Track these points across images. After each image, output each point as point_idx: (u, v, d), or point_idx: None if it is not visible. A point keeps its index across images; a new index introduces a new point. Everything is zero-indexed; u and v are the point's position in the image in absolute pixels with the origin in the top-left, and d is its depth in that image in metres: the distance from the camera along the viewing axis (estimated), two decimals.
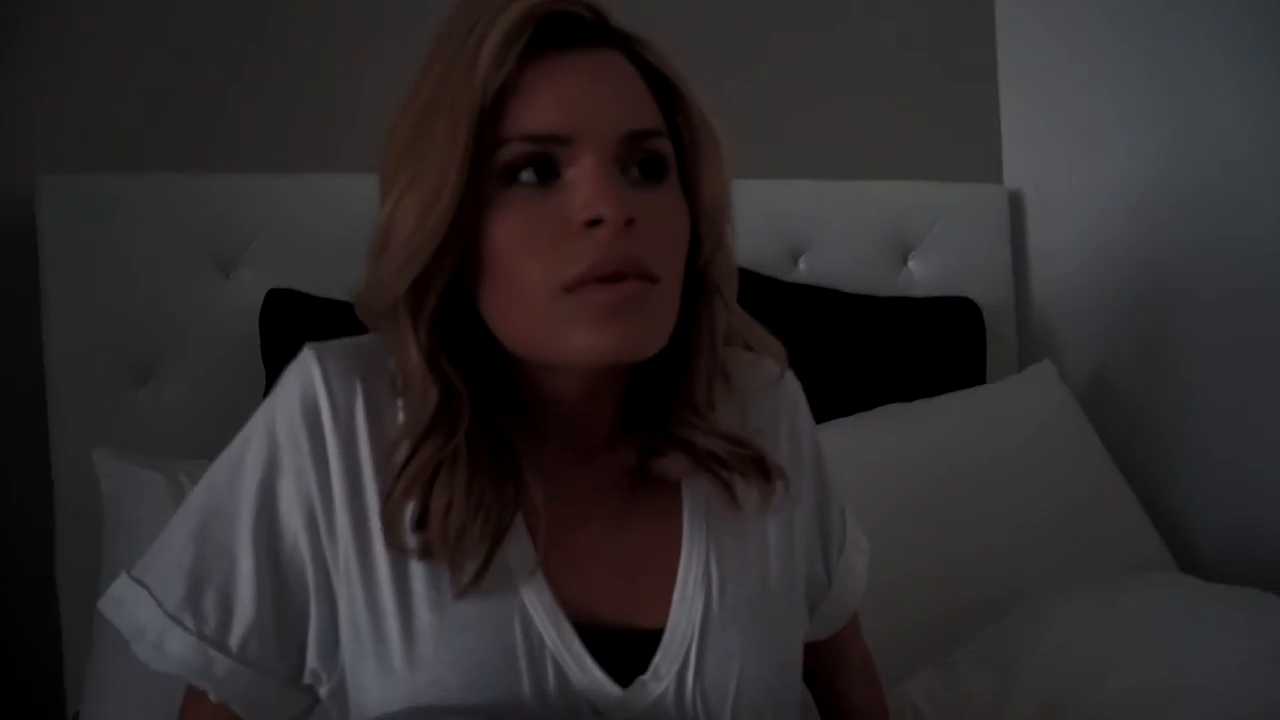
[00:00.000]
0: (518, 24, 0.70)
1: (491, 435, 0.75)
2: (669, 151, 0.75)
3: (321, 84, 1.47)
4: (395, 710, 0.73)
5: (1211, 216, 1.60)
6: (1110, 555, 1.51)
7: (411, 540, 0.73)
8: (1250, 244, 1.56)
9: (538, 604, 0.76)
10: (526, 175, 0.72)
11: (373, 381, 0.77)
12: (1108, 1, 1.73)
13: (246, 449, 0.77)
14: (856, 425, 1.50)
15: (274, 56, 1.46)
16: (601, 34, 0.75)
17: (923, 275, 1.80)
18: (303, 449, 0.75)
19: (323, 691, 0.78)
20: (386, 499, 0.74)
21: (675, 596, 0.80)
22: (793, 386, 0.90)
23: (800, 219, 1.70)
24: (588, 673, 0.76)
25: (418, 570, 0.75)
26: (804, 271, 1.70)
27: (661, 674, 0.77)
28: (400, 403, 0.76)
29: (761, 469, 0.81)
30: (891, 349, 1.65)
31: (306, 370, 0.77)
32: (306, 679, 0.77)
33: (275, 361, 1.29)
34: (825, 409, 1.45)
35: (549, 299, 0.71)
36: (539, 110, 0.71)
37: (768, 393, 0.87)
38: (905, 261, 1.80)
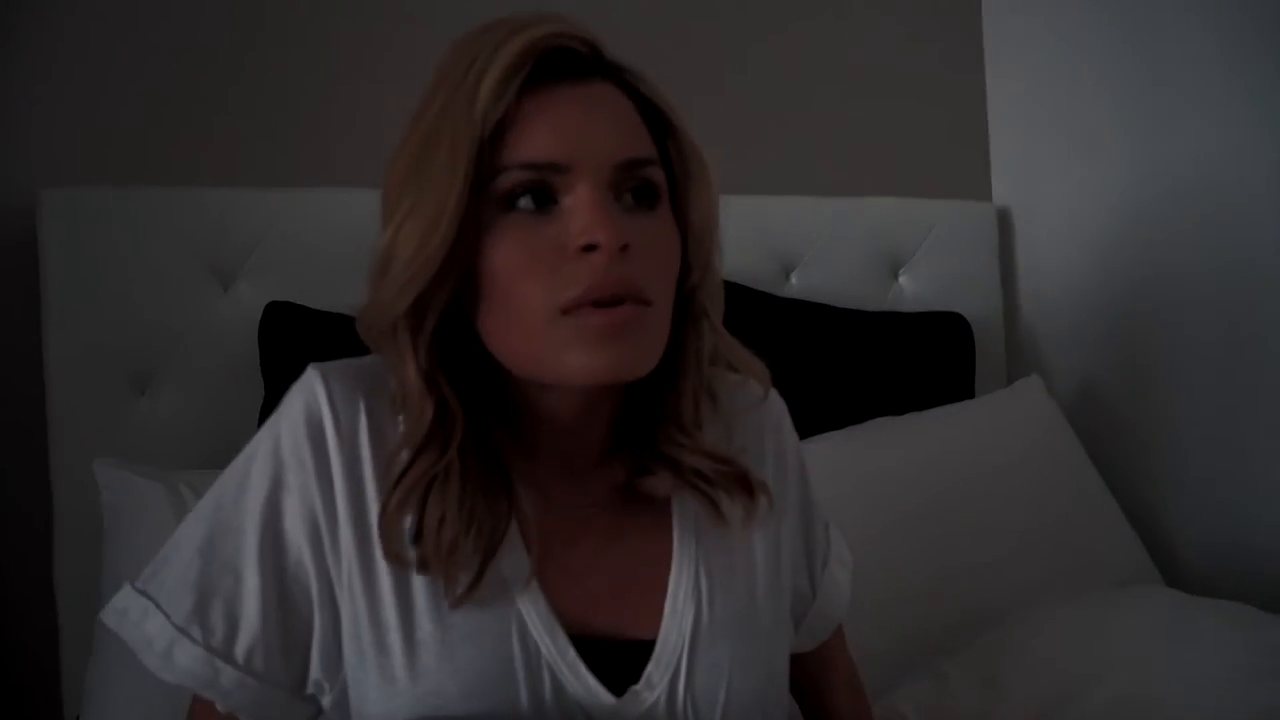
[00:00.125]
0: (517, 60, 0.73)
1: (485, 451, 0.78)
2: (661, 179, 0.78)
3: (319, 99, 1.49)
4: None
5: (1196, 234, 1.62)
6: (1096, 568, 1.52)
7: (409, 552, 0.75)
8: (1234, 261, 1.58)
9: (534, 614, 0.78)
10: (524, 202, 0.74)
11: (375, 400, 0.79)
12: (1095, 22, 1.75)
13: (252, 465, 0.79)
14: (847, 438, 1.52)
15: (273, 72, 1.47)
16: (596, 66, 0.78)
17: (913, 290, 1.81)
18: (307, 466, 0.77)
19: (326, 701, 0.80)
20: (383, 509, 0.75)
21: (666, 609, 0.82)
22: (777, 406, 0.92)
23: (792, 235, 1.72)
24: (582, 681, 0.77)
25: (419, 584, 0.77)
26: (796, 286, 1.72)
27: (654, 683, 0.79)
28: (401, 419, 0.78)
29: (745, 485, 0.83)
30: (882, 363, 1.67)
31: (311, 389, 0.79)
32: (310, 689, 0.79)
33: (274, 374, 1.30)
34: (816, 422, 1.48)
35: (546, 321, 0.73)
36: (537, 140, 0.73)
37: (752, 412, 0.89)
38: (895, 276, 1.82)
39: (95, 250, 1.30)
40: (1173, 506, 1.67)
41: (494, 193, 0.74)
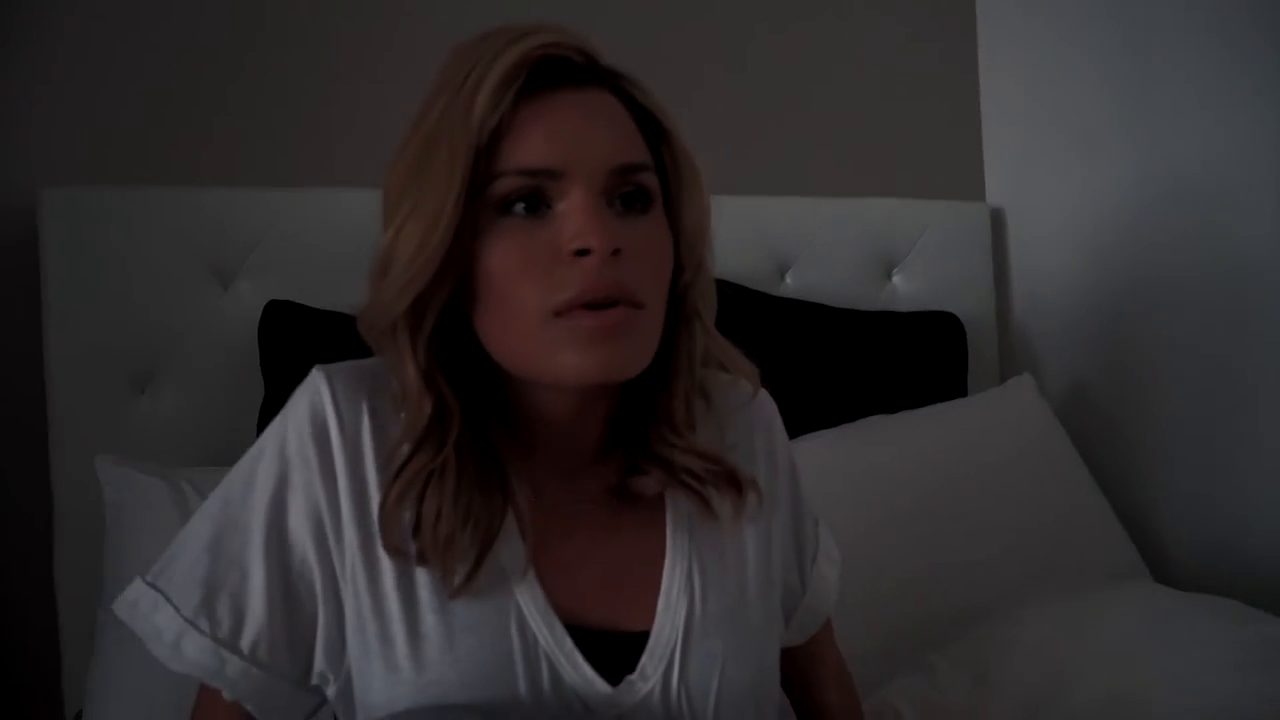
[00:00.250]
0: (512, 69, 0.75)
1: (482, 448, 0.79)
2: (654, 184, 0.79)
3: (319, 99, 1.50)
4: (414, 709, 0.76)
5: (1189, 235, 1.63)
6: (1087, 566, 1.53)
7: (408, 545, 0.77)
8: (1226, 262, 1.58)
9: (531, 605, 0.80)
10: (519, 207, 0.76)
11: (378, 401, 0.81)
12: (1088, 25, 1.76)
13: (258, 465, 0.81)
14: (840, 436, 1.53)
15: (273, 72, 1.48)
16: (591, 74, 0.79)
17: (906, 290, 1.83)
18: (312, 465, 0.79)
19: (330, 691, 0.81)
20: (383, 502, 0.77)
21: (660, 602, 0.83)
22: (767, 405, 0.94)
23: (788, 235, 1.73)
24: (579, 671, 0.79)
25: (422, 578, 0.79)
26: (791, 286, 1.74)
27: (648, 674, 0.81)
28: (402, 417, 0.80)
29: (734, 483, 0.84)
30: (875, 362, 1.68)
31: (316, 390, 0.81)
32: (314, 680, 0.81)
33: (274, 372, 1.31)
34: (810, 419, 1.50)
35: (540, 322, 0.75)
36: (532, 146, 0.75)
37: (744, 411, 0.90)
38: (889, 276, 1.83)
39: (95, 250, 1.31)
40: (1163, 505, 1.69)
41: (490, 197, 0.76)
